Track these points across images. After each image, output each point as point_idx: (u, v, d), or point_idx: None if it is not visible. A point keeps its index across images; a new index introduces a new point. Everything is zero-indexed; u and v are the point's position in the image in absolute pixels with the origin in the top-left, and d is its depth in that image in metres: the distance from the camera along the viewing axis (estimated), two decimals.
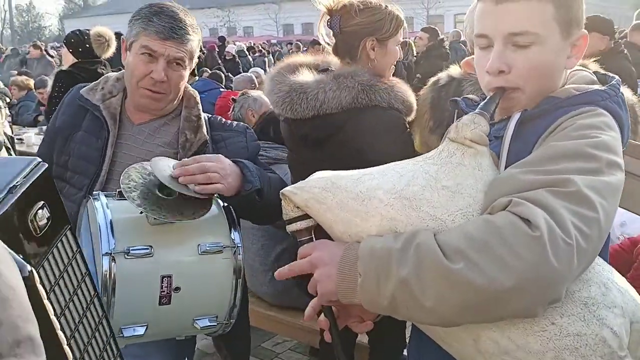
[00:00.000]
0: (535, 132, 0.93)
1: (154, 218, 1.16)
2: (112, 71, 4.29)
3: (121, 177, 1.18)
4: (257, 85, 5.79)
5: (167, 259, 1.19)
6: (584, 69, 1.06)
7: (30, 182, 0.75)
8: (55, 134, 1.53)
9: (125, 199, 1.17)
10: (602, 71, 1.10)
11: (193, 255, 1.20)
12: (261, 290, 2.66)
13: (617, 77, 1.01)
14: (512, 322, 0.79)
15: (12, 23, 42.52)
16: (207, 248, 1.21)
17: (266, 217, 1.44)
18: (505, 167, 0.92)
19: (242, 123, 1.64)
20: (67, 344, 0.72)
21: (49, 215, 0.78)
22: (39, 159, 0.82)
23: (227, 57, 11.99)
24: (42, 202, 0.77)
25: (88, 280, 0.88)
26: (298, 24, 35.87)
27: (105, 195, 1.23)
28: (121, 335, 1.15)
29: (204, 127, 1.50)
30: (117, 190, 1.22)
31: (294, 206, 0.95)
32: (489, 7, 0.94)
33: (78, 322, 0.82)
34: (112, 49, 4.02)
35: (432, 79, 1.95)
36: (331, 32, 1.74)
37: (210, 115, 1.58)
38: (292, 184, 1.99)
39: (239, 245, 1.24)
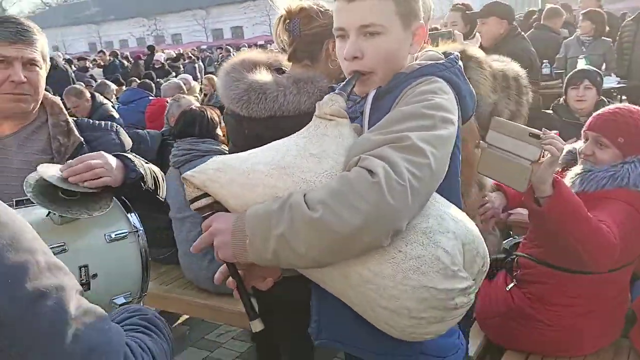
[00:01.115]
0: (388, 104, 1.12)
1: (60, 217, 1.25)
2: None
3: (24, 186, 1.26)
4: (186, 91, 5.87)
5: (80, 251, 1.28)
6: (433, 49, 1.26)
7: None
8: None
9: (22, 207, 1.28)
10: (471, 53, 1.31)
11: (102, 244, 1.32)
12: (201, 276, 2.79)
13: (456, 52, 1.23)
14: (369, 255, 0.97)
15: None
16: (114, 236, 1.33)
17: (152, 203, 1.55)
18: None
19: (111, 122, 1.70)
20: None
21: None
22: None
23: (156, 66, 11.92)
24: None
25: None
26: (227, 28, 35.60)
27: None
28: None
29: (76, 130, 1.57)
30: (14, 200, 1.31)
31: (194, 187, 1.08)
32: (342, 5, 1.15)
33: None
34: None
35: None
36: (286, 37, 1.73)
37: (76, 118, 1.63)
38: None
39: (140, 229, 1.37)
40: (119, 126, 1.68)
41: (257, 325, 1.13)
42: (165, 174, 1.70)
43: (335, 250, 0.94)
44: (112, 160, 1.38)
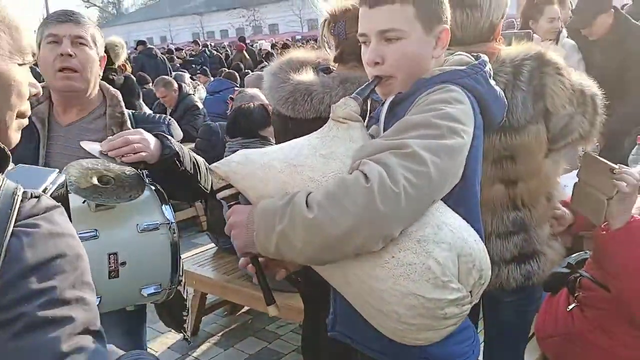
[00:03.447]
0: (403, 110, 1.11)
1: (95, 204, 1.34)
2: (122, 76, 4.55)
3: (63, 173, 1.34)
4: None
5: (111, 239, 1.36)
6: (463, 53, 1.21)
7: (54, 186, 0.99)
8: None
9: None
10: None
11: (134, 233, 1.39)
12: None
13: (484, 57, 1.19)
14: (365, 258, 0.99)
15: None
16: (145, 226, 1.40)
17: (189, 187, 1.59)
18: None
19: (164, 115, 1.78)
20: None
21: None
22: (58, 171, 1.02)
23: (262, 54, 12.33)
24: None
25: None
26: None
27: None
28: None
29: (128, 122, 1.66)
30: None
31: (219, 178, 1.15)
32: (364, 11, 1.15)
33: None
34: (123, 56, 4.27)
35: None
36: (332, 39, 1.72)
37: (133, 111, 1.74)
38: None
39: (172, 221, 1.43)
40: (171, 119, 1.76)
41: (272, 310, 1.22)
42: None
43: (327, 250, 0.98)
44: (150, 138, 1.44)
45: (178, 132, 1.75)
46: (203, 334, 3.29)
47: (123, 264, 1.36)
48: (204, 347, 3.17)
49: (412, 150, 0.97)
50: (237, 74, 6.81)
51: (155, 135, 1.49)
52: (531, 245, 1.59)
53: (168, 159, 1.45)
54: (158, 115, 1.77)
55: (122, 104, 1.70)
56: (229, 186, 1.15)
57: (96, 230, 1.35)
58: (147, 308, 1.82)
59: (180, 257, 1.45)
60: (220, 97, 6.09)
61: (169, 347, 3.17)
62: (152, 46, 10.95)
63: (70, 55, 1.55)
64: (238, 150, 3.03)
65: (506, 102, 1.22)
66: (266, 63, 10.74)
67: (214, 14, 40.51)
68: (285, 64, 1.77)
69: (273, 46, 14.81)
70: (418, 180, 0.95)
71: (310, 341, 2.20)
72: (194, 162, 1.57)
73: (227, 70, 7.95)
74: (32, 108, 1.61)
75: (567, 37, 3.65)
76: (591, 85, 1.58)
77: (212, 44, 16.64)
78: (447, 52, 1.22)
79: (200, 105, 5.58)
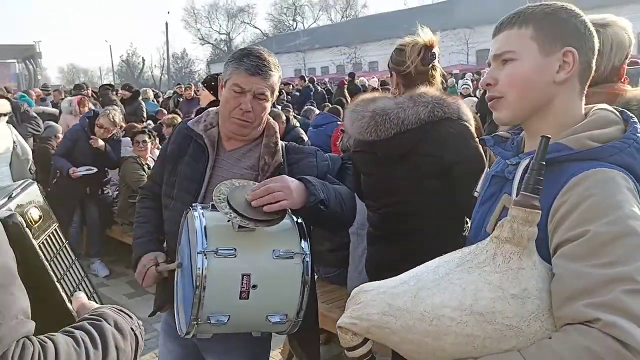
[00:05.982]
0: (546, 182, 0.97)
1: (238, 225, 1.40)
2: None
3: (213, 191, 1.44)
4: None
5: (247, 260, 1.40)
6: (607, 107, 1.11)
7: (24, 192, 1.10)
8: (165, 159, 1.86)
9: (216, 210, 1.43)
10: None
11: (269, 258, 1.40)
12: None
13: (632, 117, 1.08)
14: None
15: (169, 69, 48.46)
16: (281, 253, 1.41)
17: (336, 224, 1.64)
18: None
19: (313, 146, 1.86)
20: (58, 281, 1.09)
21: (40, 213, 1.10)
22: (31, 180, 1.13)
23: (369, 90, 12.56)
24: (34, 205, 1.10)
25: (66, 251, 1.19)
26: None
27: (202, 207, 1.50)
28: (209, 321, 1.38)
29: (280, 152, 1.75)
30: (211, 203, 1.48)
31: (352, 334, 1.01)
32: (492, 40, 1.17)
33: (64, 272, 1.14)
34: None
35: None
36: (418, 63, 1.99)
37: (288, 143, 1.83)
38: (367, 206, 2.14)
39: (307, 253, 1.42)
40: (320, 151, 1.83)
41: None
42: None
43: None
44: (293, 184, 1.47)
45: (324, 163, 1.79)
46: None
47: (254, 286, 1.37)
48: None
49: None
50: (340, 109, 6.98)
51: (300, 179, 1.52)
52: None
53: (313, 205, 1.48)
54: (309, 147, 1.86)
55: (278, 135, 1.80)
56: (364, 342, 1.02)
57: (235, 249, 1.39)
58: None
59: (308, 291, 1.42)
60: (323, 131, 6.25)
61: None
62: None
63: (249, 111, 1.67)
64: None
65: None
66: None
67: (316, 52, 42.03)
68: (360, 101, 2.03)
69: (383, 83, 14.88)
70: None
71: None
72: (339, 200, 1.58)
73: (329, 105, 8.20)
74: (206, 130, 1.78)
75: None
76: None
77: (316, 80, 17.21)
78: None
79: (305, 138, 5.77)
